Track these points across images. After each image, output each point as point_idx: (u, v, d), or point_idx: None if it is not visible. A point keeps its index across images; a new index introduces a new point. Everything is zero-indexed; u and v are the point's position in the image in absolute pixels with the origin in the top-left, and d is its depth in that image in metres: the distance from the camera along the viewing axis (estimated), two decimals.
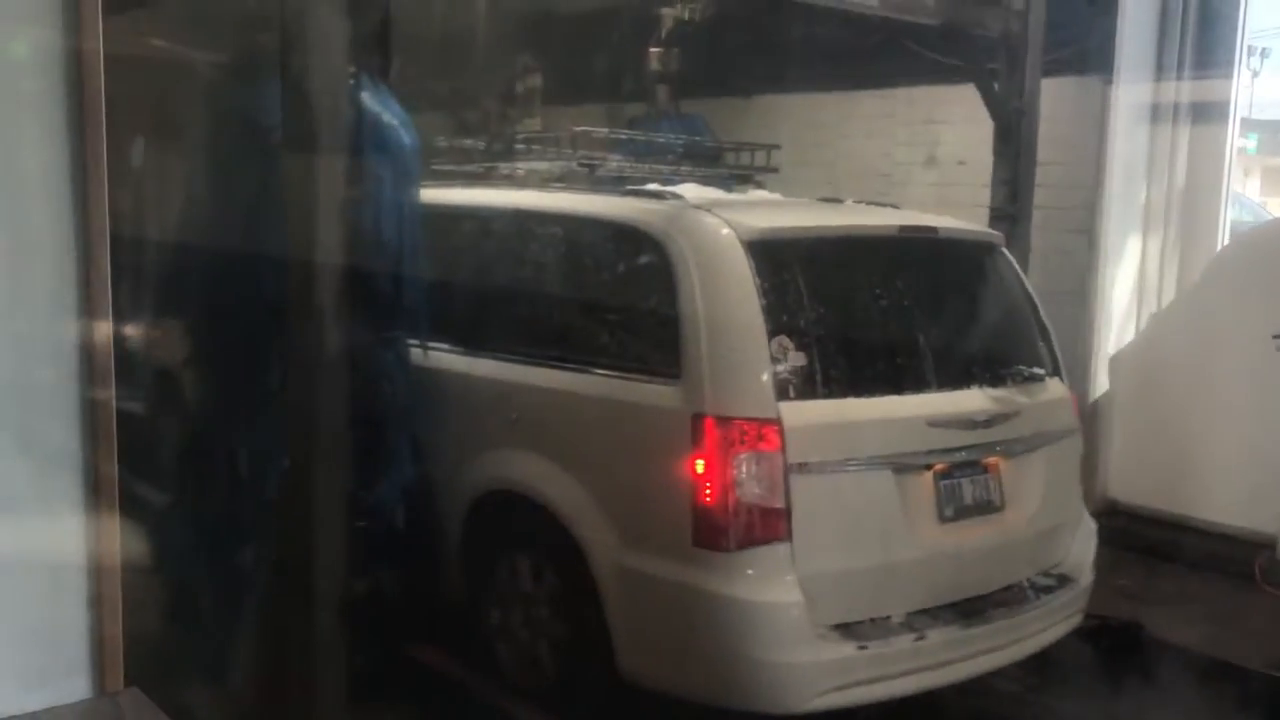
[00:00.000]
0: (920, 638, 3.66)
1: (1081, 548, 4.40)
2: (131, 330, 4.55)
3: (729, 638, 3.49)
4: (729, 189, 4.68)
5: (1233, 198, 6.43)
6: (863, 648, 3.57)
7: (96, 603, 2.64)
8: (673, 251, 3.74)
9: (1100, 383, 6.27)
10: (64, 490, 2.67)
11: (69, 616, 2.62)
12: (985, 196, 6.14)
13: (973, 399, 4.00)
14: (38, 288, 2.63)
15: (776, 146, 5.40)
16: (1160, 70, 6.06)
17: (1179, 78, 6.06)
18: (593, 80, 7.34)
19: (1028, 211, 6.04)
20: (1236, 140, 6.29)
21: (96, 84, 2.61)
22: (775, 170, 5.32)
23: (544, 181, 4.72)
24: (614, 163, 4.76)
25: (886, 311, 4.00)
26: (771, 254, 3.71)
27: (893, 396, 3.82)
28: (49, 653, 2.64)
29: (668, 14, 6.85)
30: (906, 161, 7.02)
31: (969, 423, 3.92)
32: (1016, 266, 4.57)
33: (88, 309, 2.62)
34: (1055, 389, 4.39)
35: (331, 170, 3.69)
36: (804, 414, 3.57)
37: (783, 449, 3.49)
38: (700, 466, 3.49)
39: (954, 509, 3.87)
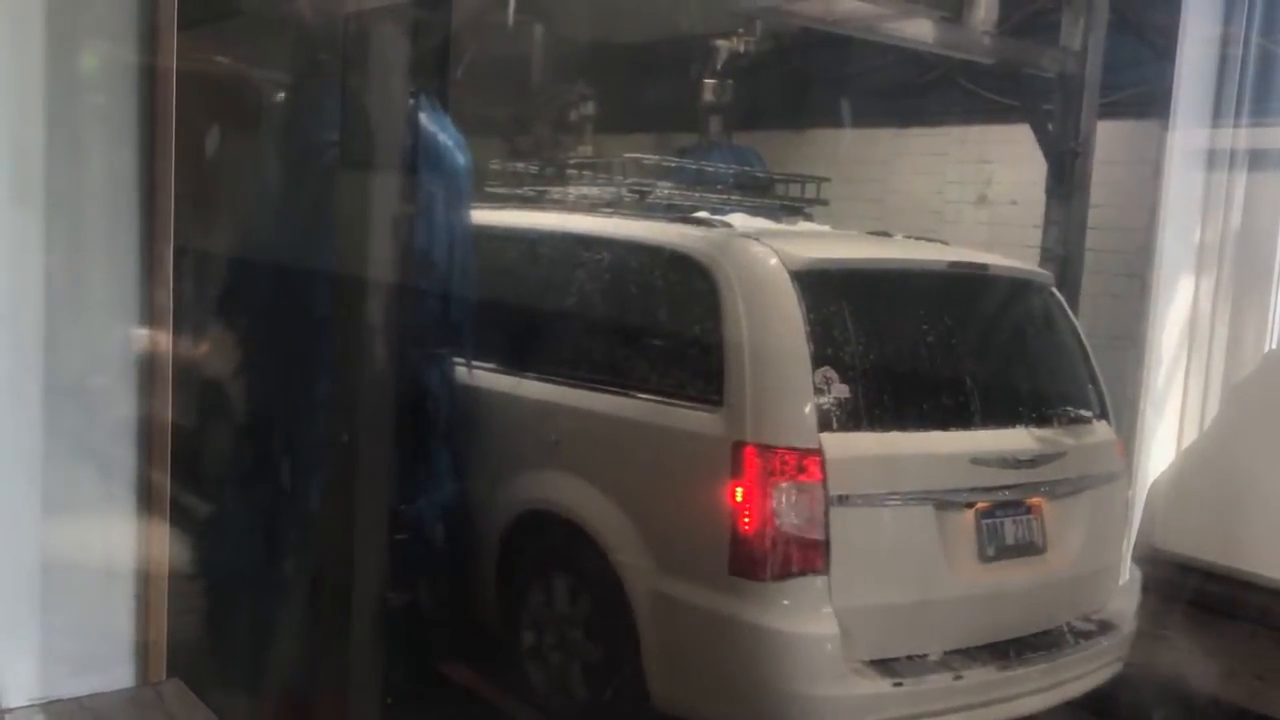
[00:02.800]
0: (957, 677, 3.62)
1: (1125, 593, 4.34)
2: (186, 340, 4.65)
3: (762, 668, 3.46)
4: (778, 219, 4.70)
5: None
6: (898, 684, 3.51)
7: (143, 601, 2.72)
8: (720, 278, 3.74)
9: (1149, 426, 6.19)
10: (117, 497, 2.74)
11: (117, 613, 2.70)
12: (1036, 237, 6.11)
13: (1018, 438, 3.96)
14: (99, 299, 2.71)
15: (826, 179, 5.40)
16: (1218, 116, 6.01)
17: (1236, 124, 6.00)
18: (646, 110, 7.41)
19: (1079, 253, 6.01)
20: None
21: (168, 100, 2.68)
22: (825, 203, 5.31)
23: (594, 206, 4.75)
24: (664, 189, 4.80)
25: (932, 346, 3.95)
26: (818, 285, 3.70)
27: (936, 432, 3.79)
28: (98, 644, 2.72)
29: (722, 46, 6.92)
30: (958, 200, 7.01)
31: (1013, 462, 3.89)
32: (1066, 307, 4.54)
33: (149, 323, 2.69)
34: (1102, 431, 4.35)
35: (385, 188, 3.76)
36: (846, 446, 3.55)
37: (824, 480, 3.47)
38: (740, 495, 3.48)
39: (995, 548, 3.83)
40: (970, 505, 3.78)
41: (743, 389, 3.57)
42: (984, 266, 4.29)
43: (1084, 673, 4.02)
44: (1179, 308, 6.24)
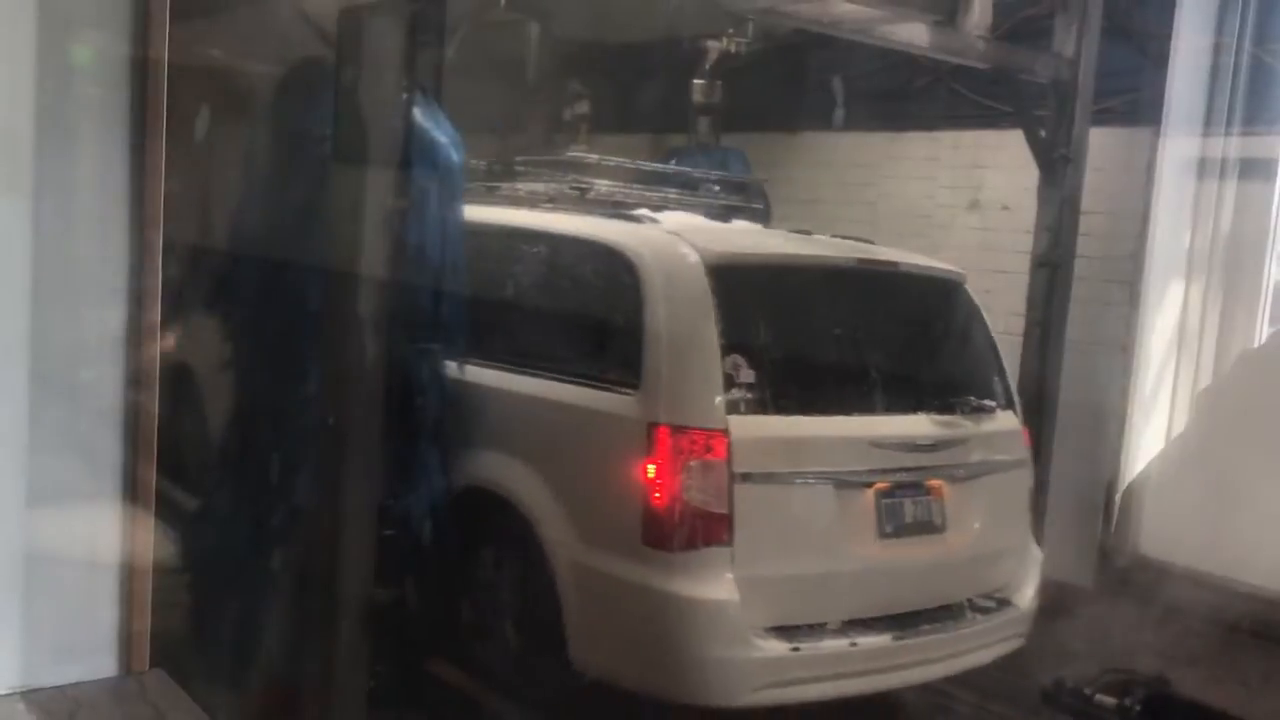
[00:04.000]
0: (853, 644, 3.84)
1: (1026, 574, 4.53)
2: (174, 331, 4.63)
3: (669, 632, 3.69)
4: (725, 219, 4.93)
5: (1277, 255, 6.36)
6: (795, 649, 3.74)
7: (127, 593, 2.72)
8: (641, 270, 3.96)
9: (1137, 431, 6.21)
10: (102, 487, 2.74)
11: (101, 603, 2.70)
12: (1028, 243, 6.13)
13: (918, 424, 4.19)
14: (87, 288, 2.70)
15: (765, 180, 5.59)
16: (1209, 124, 6.04)
17: (1227, 133, 6.03)
18: (637, 110, 7.42)
19: (1070, 259, 6.03)
20: None
21: (159, 92, 2.69)
22: (759, 207, 5.51)
23: (537, 202, 4.91)
24: (602, 187, 4.97)
25: (839, 337, 4.24)
26: (732, 278, 3.92)
27: (838, 417, 4.05)
28: (81, 634, 2.73)
29: (713, 47, 6.92)
30: (950, 204, 7.02)
31: (911, 446, 4.11)
32: (978, 303, 4.71)
33: (137, 312, 2.69)
34: (1007, 421, 4.56)
35: (378, 183, 3.75)
36: (751, 428, 3.77)
37: (729, 459, 3.69)
38: (652, 471, 3.70)
39: (894, 526, 4.03)
40: (869, 485, 3.99)
41: (658, 374, 3.81)
42: (893, 264, 4.52)
43: (981, 646, 4.24)
44: (1168, 314, 6.26)
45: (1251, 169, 6.10)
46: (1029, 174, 6.10)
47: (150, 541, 2.76)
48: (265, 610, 4.11)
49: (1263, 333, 6.13)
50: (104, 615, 2.74)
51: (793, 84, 7.34)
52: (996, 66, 5.93)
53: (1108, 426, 6.14)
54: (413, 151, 4.04)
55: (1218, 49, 5.91)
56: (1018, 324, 6.22)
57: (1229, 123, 5.97)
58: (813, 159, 7.60)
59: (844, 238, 4.96)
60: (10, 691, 2.60)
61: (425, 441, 4.38)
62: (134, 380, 2.67)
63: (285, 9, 4.34)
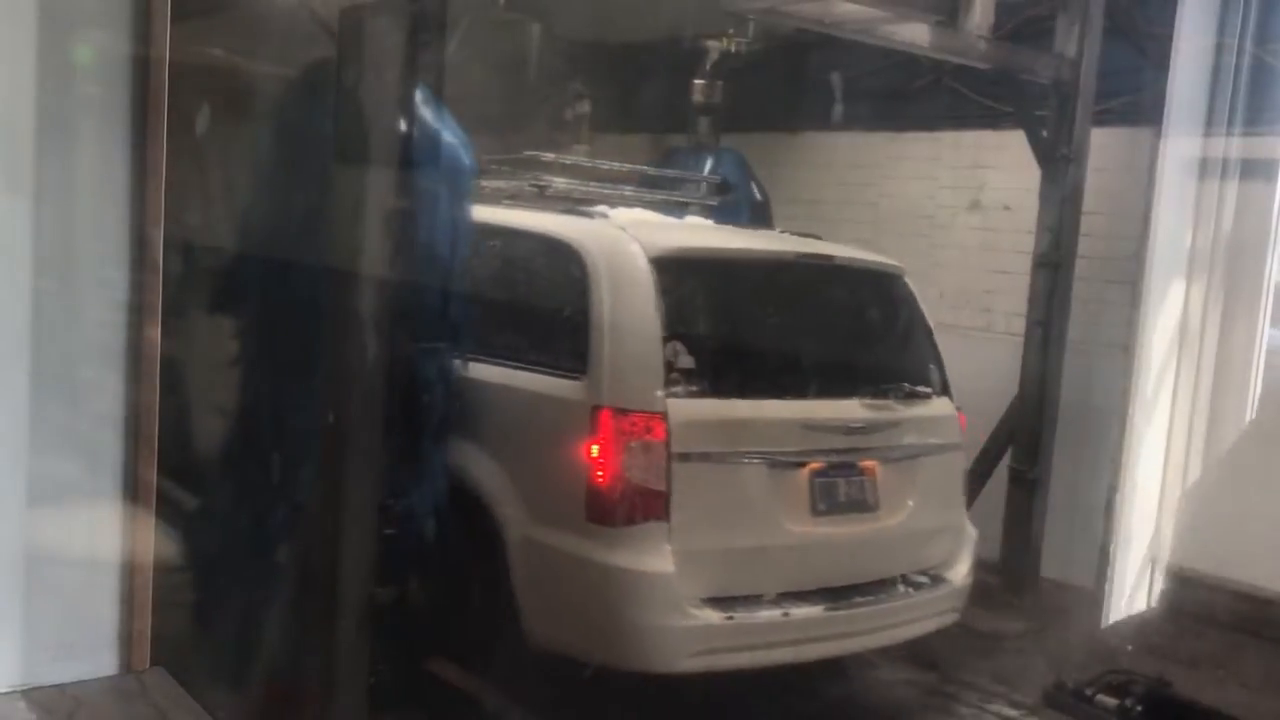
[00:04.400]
0: (785, 614, 4.05)
1: (960, 552, 4.72)
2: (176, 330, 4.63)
3: (611, 602, 3.92)
4: (680, 216, 5.15)
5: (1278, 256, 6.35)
6: (730, 618, 3.95)
7: (128, 591, 2.71)
8: (589, 263, 4.18)
9: (1138, 432, 6.21)
10: (103, 485, 2.74)
11: (102, 601, 2.70)
12: (1029, 243, 6.13)
13: (851, 408, 4.39)
14: (88, 290, 2.70)
15: (722, 179, 5.91)
16: (1210, 125, 6.03)
17: (1228, 133, 6.02)
18: (638, 110, 7.41)
19: (1071, 259, 6.03)
20: None
21: (160, 91, 2.69)
22: (714, 203, 5.66)
23: (499, 198, 5.06)
24: (560, 184, 5.13)
25: (776, 326, 4.52)
26: (675, 270, 4.15)
27: (773, 400, 4.24)
28: (82, 632, 2.73)
29: (713, 47, 6.92)
30: (951, 205, 7.02)
31: (844, 428, 4.30)
32: (916, 295, 4.90)
33: (138, 315, 2.69)
34: (942, 406, 4.76)
35: (379, 182, 3.75)
36: (689, 411, 3.99)
37: (667, 440, 3.91)
38: (596, 451, 3.92)
39: (827, 504, 4.24)
40: (803, 465, 4.19)
41: (602, 360, 4.03)
42: (830, 258, 4.75)
43: (914, 619, 4.48)
44: (1169, 315, 6.25)
45: (1253, 169, 6.10)
46: (1030, 174, 6.09)
47: (151, 540, 2.75)
48: (267, 608, 4.12)
49: (1264, 333, 6.12)
50: (105, 614, 2.74)
51: (794, 84, 7.34)
52: (998, 67, 5.92)
53: (1109, 427, 6.13)
54: (423, 154, 4.14)
55: (1219, 49, 5.90)
56: (1019, 324, 6.23)
57: (1230, 123, 5.97)
58: (814, 159, 7.60)
59: (795, 234, 5.19)
60: (11, 690, 2.60)
61: (429, 440, 4.39)
62: (134, 378, 2.67)
63: (290, 7, 4.34)
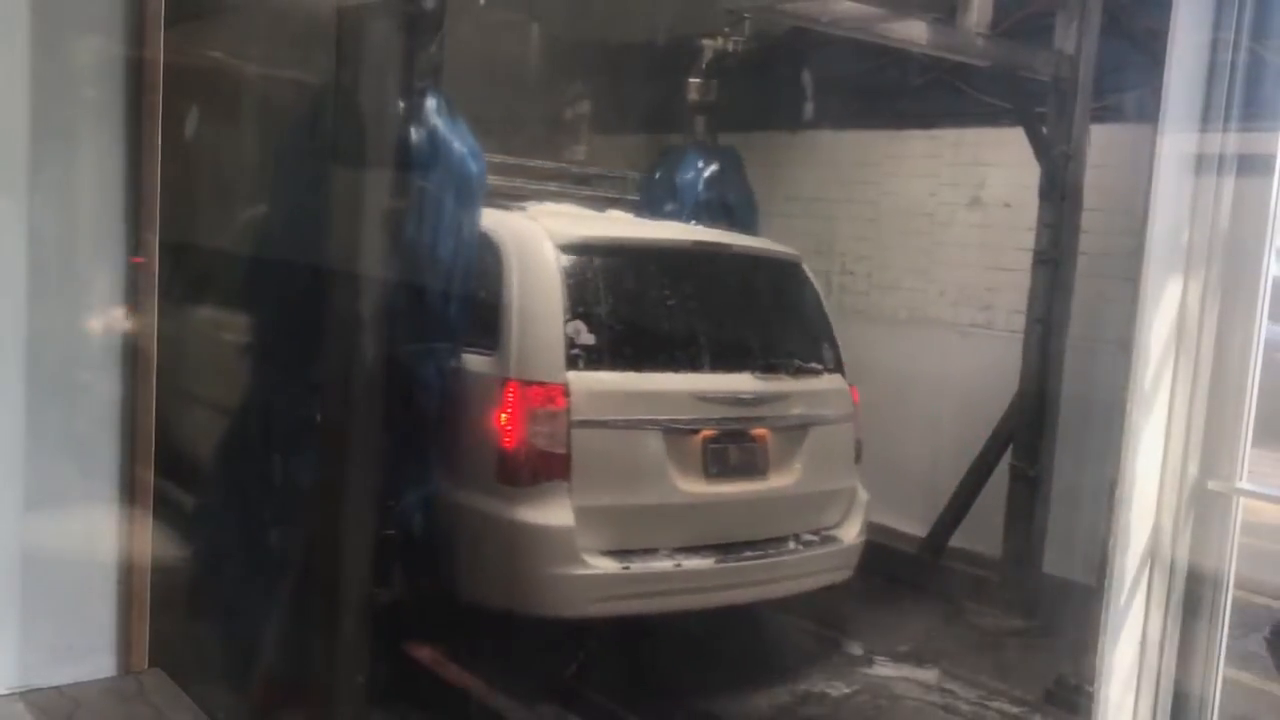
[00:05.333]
0: (677, 565, 4.45)
1: (852, 515, 5.13)
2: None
3: (518, 554, 4.31)
4: (601, 210, 5.56)
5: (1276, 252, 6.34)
6: (626, 568, 4.35)
7: (125, 593, 2.72)
8: (504, 250, 4.60)
9: (1136, 427, 6.19)
10: (100, 487, 2.74)
11: (99, 603, 2.71)
12: (1029, 240, 6.11)
13: (742, 381, 4.78)
14: (85, 292, 2.71)
15: (632, 174, 6.35)
16: (1207, 120, 6.02)
17: (1225, 128, 6.01)
18: (635, 109, 7.41)
19: (1071, 256, 6.01)
20: None
21: (155, 93, 2.69)
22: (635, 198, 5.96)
23: None
24: (495, 180, 5.26)
25: (672, 307, 4.86)
26: (580, 256, 4.58)
27: (668, 374, 4.64)
28: (80, 634, 2.73)
29: (708, 45, 6.91)
30: (951, 202, 7.00)
31: (734, 399, 4.70)
32: (812, 279, 5.38)
33: (135, 317, 2.69)
34: (833, 381, 5.19)
35: (377, 184, 3.76)
36: (589, 383, 4.40)
37: (567, 409, 4.31)
38: (504, 419, 4.34)
39: (719, 468, 4.64)
40: (697, 432, 4.60)
41: (511, 337, 4.44)
42: (726, 246, 5.24)
43: (804, 574, 4.89)
44: (1167, 310, 6.22)
45: (1250, 164, 6.08)
46: (1030, 171, 6.08)
47: (148, 542, 2.76)
48: (266, 607, 4.12)
49: (1262, 329, 6.11)
50: (103, 615, 2.75)
51: (792, 82, 7.33)
52: (997, 64, 5.91)
53: (1110, 423, 6.12)
54: (434, 159, 4.27)
55: (1215, 45, 5.89)
56: (1019, 321, 6.22)
57: (1227, 118, 5.95)
58: (814, 158, 7.59)
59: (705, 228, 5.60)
60: (10, 691, 2.60)
61: (426, 440, 4.41)
62: (130, 379, 2.68)
63: (286, 10, 4.35)
